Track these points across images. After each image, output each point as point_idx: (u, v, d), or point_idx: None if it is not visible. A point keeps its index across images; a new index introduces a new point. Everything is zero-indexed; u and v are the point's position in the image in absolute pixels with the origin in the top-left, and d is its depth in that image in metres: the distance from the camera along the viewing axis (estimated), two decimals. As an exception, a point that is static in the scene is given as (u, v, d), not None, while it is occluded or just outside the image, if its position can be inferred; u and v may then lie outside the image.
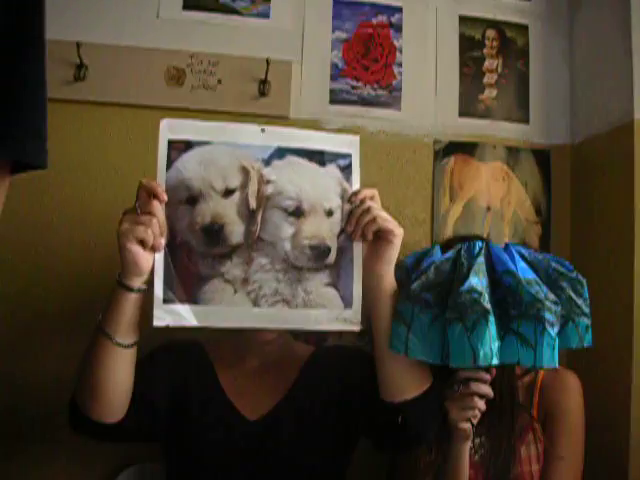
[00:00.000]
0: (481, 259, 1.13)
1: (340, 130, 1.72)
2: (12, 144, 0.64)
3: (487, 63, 1.83)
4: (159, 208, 1.05)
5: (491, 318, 1.06)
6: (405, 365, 1.14)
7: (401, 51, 1.79)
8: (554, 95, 1.86)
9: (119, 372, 1.10)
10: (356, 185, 1.17)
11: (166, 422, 1.26)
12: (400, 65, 1.78)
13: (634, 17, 1.59)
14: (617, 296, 1.56)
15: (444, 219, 1.75)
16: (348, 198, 1.15)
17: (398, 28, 1.79)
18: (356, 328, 1.15)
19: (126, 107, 1.65)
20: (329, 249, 1.14)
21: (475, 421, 1.21)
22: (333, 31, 1.76)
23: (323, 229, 1.14)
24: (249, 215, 1.12)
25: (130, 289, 1.06)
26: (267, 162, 1.14)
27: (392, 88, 1.77)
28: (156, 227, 1.04)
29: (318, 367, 1.33)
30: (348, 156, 1.18)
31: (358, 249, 1.15)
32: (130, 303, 1.07)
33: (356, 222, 1.12)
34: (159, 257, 1.08)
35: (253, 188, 1.12)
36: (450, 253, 1.17)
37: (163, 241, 1.07)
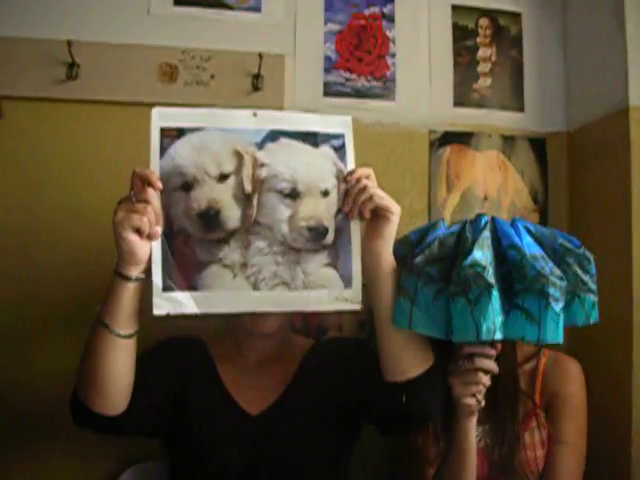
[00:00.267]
0: (486, 233, 1.12)
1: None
2: None
3: (481, 52, 1.83)
4: (154, 196, 1.05)
5: (494, 292, 1.05)
6: (407, 343, 1.13)
7: (394, 42, 1.78)
8: (549, 83, 1.86)
9: (119, 363, 1.09)
10: (351, 165, 1.17)
11: (167, 417, 1.25)
12: (393, 56, 1.78)
13: (628, 3, 1.59)
14: (615, 282, 1.55)
15: (441, 209, 1.75)
16: (343, 177, 1.15)
17: (390, 19, 1.79)
18: (357, 307, 1.15)
19: (119, 105, 1.64)
20: (327, 229, 1.13)
21: (480, 397, 1.20)
22: (325, 23, 1.76)
23: (320, 210, 1.13)
24: (245, 199, 1.12)
25: (128, 278, 1.05)
26: (260, 146, 1.13)
27: (386, 79, 1.77)
28: (152, 215, 1.03)
29: (318, 360, 1.33)
30: (341, 136, 1.18)
31: (356, 228, 1.14)
32: (128, 293, 1.06)
33: (353, 201, 1.12)
34: (156, 245, 1.07)
35: (247, 172, 1.11)
36: (455, 227, 1.16)
37: (159, 229, 1.06)
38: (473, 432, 1.23)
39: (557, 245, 1.15)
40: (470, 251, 1.08)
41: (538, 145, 1.83)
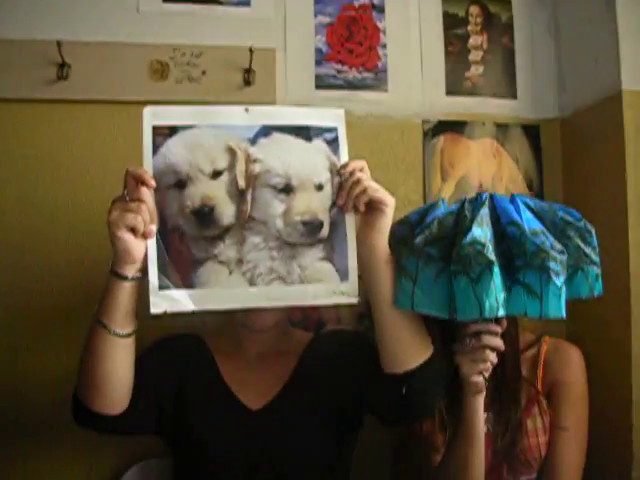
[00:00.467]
0: (485, 210, 1.11)
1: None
2: None
3: (472, 40, 1.82)
4: (148, 194, 1.05)
5: (495, 269, 1.05)
6: (405, 335, 1.13)
7: (385, 32, 1.77)
8: (541, 69, 1.86)
9: (118, 363, 1.10)
10: (344, 158, 1.16)
11: (168, 415, 1.25)
12: (384, 47, 1.77)
13: (617, -13, 1.59)
14: (612, 268, 1.55)
15: (437, 199, 1.74)
16: (337, 171, 1.14)
17: (380, 9, 1.78)
18: (354, 300, 1.14)
19: (111, 104, 1.64)
20: (321, 223, 1.13)
21: (487, 374, 1.20)
22: (315, 16, 1.75)
23: (314, 204, 1.13)
24: (239, 195, 1.11)
25: (124, 278, 1.05)
26: (253, 141, 1.13)
27: (378, 70, 1.76)
28: (146, 214, 1.03)
29: (318, 353, 1.33)
30: (334, 129, 1.17)
31: (350, 221, 1.14)
32: (125, 292, 1.06)
33: (347, 194, 1.12)
34: (151, 243, 1.07)
35: (241, 168, 1.11)
36: (454, 206, 1.16)
37: (154, 227, 1.06)
38: (481, 410, 1.23)
39: (557, 219, 1.14)
40: (469, 229, 1.08)
41: (532, 132, 1.82)
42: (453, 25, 1.81)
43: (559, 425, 1.35)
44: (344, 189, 1.12)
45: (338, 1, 1.76)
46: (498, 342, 1.19)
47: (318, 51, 1.74)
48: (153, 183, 1.05)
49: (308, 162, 1.14)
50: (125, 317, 1.08)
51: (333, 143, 1.17)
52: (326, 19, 1.75)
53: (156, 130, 1.10)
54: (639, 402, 1.50)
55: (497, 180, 1.78)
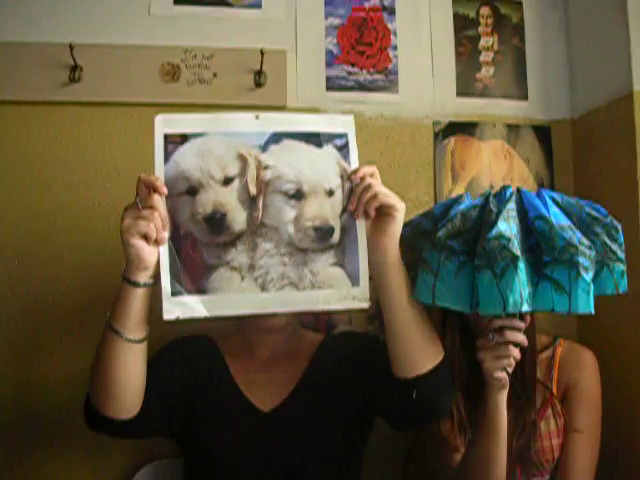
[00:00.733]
0: (511, 205, 1.11)
1: (338, 117, 1.72)
2: None
3: (483, 41, 1.82)
4: (160, 201, 1.05)
5: (520, 264, 1.05)
6: (416, 340, 1.13)
7: (395, 34, 1.78)
8: (552, 70, 1.86)
9: (130, 368, 1.10)
10: (355, 163, 1.16)
11: (180, 417, 1.26)
12: (395, 48, 1.77)
13: (629, -13, 1.58)
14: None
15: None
16: (348, 176, 1.14)
17: (391, 11, 1.78)
18: (365, 305, 1.14)
19: (123, 106, 1.65)
20: (332, 229, 1.13)
21: (510, 370, 1.19)
22: (326, 17, 1.75)
23: (325, 209, 1.13)
24: (250, 201, 1.12)
25: (136, 284, 1.06)
26: (264, 148, 1.13)
27: (388, 72, 1.76)
28: (158, 221, 1.04)
29: (328, 354, 1.33)
30: (344, 135, 1.17)
31: (361, 226, 1.14)
32: (137, 298, 1.07)
33: (357, 200, 1.12)
34: (164, 250, 1.07)
35: (252, 174, 1.11)
36: (478, 200, 1.15)
37: (166, 234, 1.07)
38: (504, 407, 1.22)
39: (584, 214, 1.14)
40: (494, 223, 1.07)
41: (543, 133, 1.82)
42: (464, 26, 1.81)
43: (573, 428, 1.35)
44: (355, 194, 1.12)
45: (349, 3, 1.77)
46: (522, 338, 1.18)
47: (329, 53, 1.75)
48: (165, 190, 1.06)
49: (319, 168, 1.14)
50: (138, 323, 1.08)
51: (343, 149, 1.17)
52: (337, 21, 1.76)
53: (168, 138, 1.11)
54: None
55: (508, 181, 1.78)
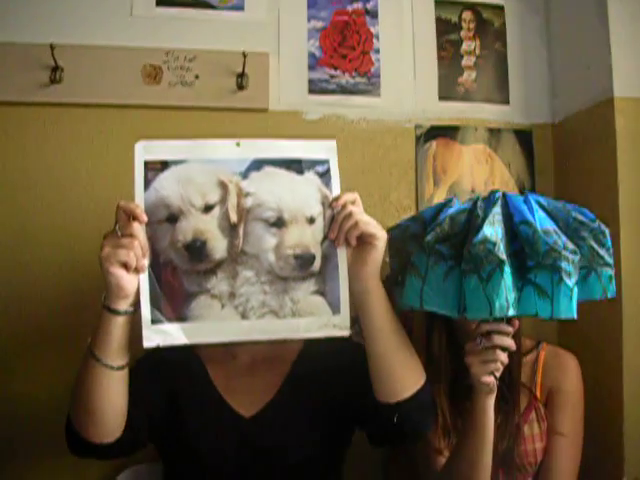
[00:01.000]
0: (497, 209, 1.11)
1: (320, 119, 1.73)
2: None
3: (465, 45, 1.83)
4: (139, 229, 1.04)
5: (506, 269, 1.05)
6: (399, 366, 1.14)
7: (378, 37, 1.78)
8: (533, 75, 1.86)
9: (112, 394, 1.10)
10: (336, 190, 1.16)
11: (161, 425, 1.26)
12: (378, 52, 1.77)
13: (609, -7, 1.59)
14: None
15: (429, 204, 1.73)
16: (329, 204, 1.14)
17: (374, 14, 1.78)
18: (346, 333, 1.15)
19: (104, 107, 1.64)
20: (313, 257, 1.13)
21: (498, 374, 1.19)
22: (309, 20, 1.75)
23: (306, 237, 1.13)
24: (231, 229, 1.12)
25: (117, 312, 1.05)
26: (244, 175, 1.13)
27: (371, 75, 1.77)
28: (138, 249, 1.03)
29: (310, 360, 1.33)
30: (326, 162, 1.16)
31: (342, 255, 1.14)
32: (118, 326, 1.06)
33: (338, 228, 1.11)
34: (144, 277, 1.07)
35: (232, 202, 1.11)
36: (466, 204, 1.16)
37: (146, 262, 1.06)
38: (491, 411, 1.23)
39: (571, 219, 1.14)
40: (480, 228, 1.08)
41: (524, 137, 1.83)
42: (446, 30, 1.82)
43: (557, 431, 1.36)
44: (336, 222, 1.12)
45: (331, 6, 1.76)
46: (509, 342, 1.18)
47: (311, 56, 1.75)
48: (145, 218, 1.05)
49: (300, 195, 1.14)
50: (118, 350, 1.08)
51: (325, 175, 1.16)
52: (319, 24, 1.75)
53: (148, 165, 1.10)
54: (630, 407, 1.52)
55: (489, 185, 1.79)
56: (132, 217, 1.04)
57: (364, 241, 1.11)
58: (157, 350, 1.28)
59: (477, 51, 1.83)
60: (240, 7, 1.72)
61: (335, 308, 1.14)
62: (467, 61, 1.82)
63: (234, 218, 1.11)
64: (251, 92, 1.68)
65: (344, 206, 1.12)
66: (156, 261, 1.09)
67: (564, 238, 1.08)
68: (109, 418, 1.11)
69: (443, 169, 1.77)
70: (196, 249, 1.10)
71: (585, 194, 1.68)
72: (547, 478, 1.36)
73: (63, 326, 1.55)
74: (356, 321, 1.17)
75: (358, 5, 1.78)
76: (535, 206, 1.13)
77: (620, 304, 1.52)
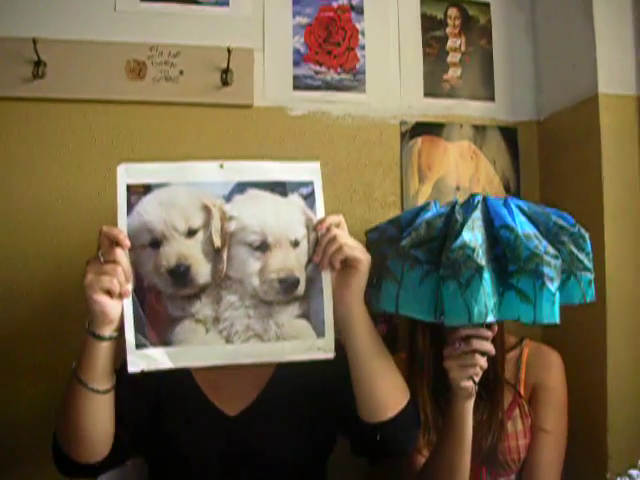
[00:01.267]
0: (477, 214, 1.12)
1: (305, 116, 1.72)
2: None
3: (450, 42, 1.82)
4: (123, 255, 1.04)
5: (485, 274, 1.06)
6: (382, 387, 1.14)
7: (363, 34, 1.77)
8: (518, 72, 1.86)
9: (98, 417, 1.10)
10: (320, 212, 1.15)
11: (146, 428, 1.26)
12: (363, 48, 1.77)
13: (595, -10, 1.59)
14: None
15: (414, 200, 1.75)
16: (313, 227, 1.14)
17: (359, 10, 1.77)
18: (330, 355, 1.15)
19: (88, 102, 1.63)
20: (298, 281, 1.13)
21: (477, 379, 1.20)
22: (294, 16, 1.74)
23: (290, 261, 1.13)
24: (214, 254, 1.11)
25: (101, 338, 1.05)
26: (228, 198, 1.12)
27: (356, 71, 1.76)
28: (121, 275, 1.03)
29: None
30: (310, 184, 1.16)
31: (327, 278, 1.14)
32: (102, 351, 1.06)
33: (323, 251, 1.11)
34: (127, 303, 1.07)
35: (216, 226, 1.11)
36: (444, 209, 1.16)
37: (130, 287, 1.06)
38: (470, 415, 1.24)
39: (551, 223, 1.15)
40: (459, 233, 1.08)
41: (509, 134, 1.83)
42: (431, 27, 1.81)
43: (540, 427, 1.37)
44: (320, 246, 1.12)
45: (317, 2, 1.75)
46: (488, 346, 1.19)
47: (296, 52, 1.74)
48: (128, 243, 1.05)
49: (284, 218, 1.14)
50: (103, 374, 1.08)
51: (309, 197, 1.16)
52: (304, 20, 1.74)
53: (130, 188, 1.09)
54: (614, 404, 1.53)
55: (474, 182, 1.79)
56: (115, 243, 1.04)
57: (348, 265, 1.11)
58: None
59: (463, 48, 1.82)
60: (225, 3, 1.70)
61: (319, 331, 1.14)
62: (452, 58, 1.82)
63: (218, 243, 1.11)
64: (236, 88, 1.67)
65: (328, 229, 1.12)
66: (140, 286, 1.09)
67: (545, 242, 1.09)
68: (96, 440, 1.11)
69: (428, 166, 1.77)
70: (180, 274, 1.09)
71: (570, 190, 1.69)
72: (531, 474, 1.37)
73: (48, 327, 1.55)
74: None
75: (343, 1, 1.76)
76: (515, 210, 1.14)
77: (604, 300, 1.53)
